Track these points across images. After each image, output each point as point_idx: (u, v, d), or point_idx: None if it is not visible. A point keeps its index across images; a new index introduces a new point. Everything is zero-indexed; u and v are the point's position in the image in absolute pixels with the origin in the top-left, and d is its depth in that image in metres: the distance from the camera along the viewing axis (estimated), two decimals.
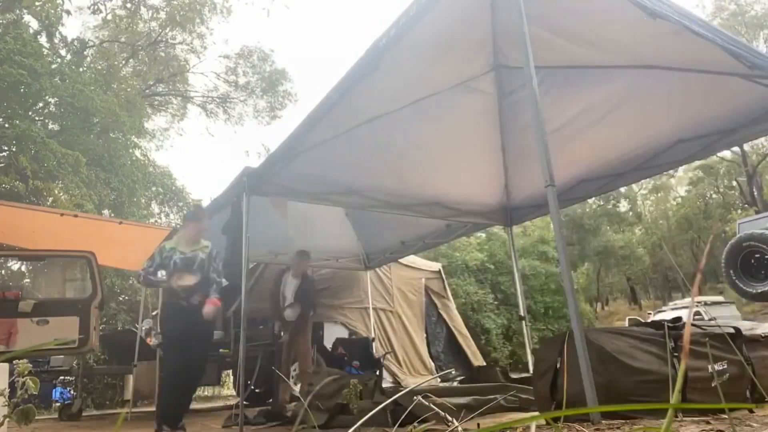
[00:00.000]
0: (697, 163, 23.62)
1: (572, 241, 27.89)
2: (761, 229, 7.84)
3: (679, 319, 3.02)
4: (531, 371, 4.61)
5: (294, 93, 19.34)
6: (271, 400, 6.79)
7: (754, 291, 7.51)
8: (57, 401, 8.43)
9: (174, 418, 3.70)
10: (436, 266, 9.82)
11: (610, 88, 3.96)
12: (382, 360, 7.13)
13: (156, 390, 5.02)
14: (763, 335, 3.12)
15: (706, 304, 13.25)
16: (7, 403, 2.67)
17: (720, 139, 4.20)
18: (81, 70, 12.43)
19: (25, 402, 2.63)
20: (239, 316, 4.64)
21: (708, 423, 2.07)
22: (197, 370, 3.91)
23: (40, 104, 11.49)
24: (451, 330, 9.43)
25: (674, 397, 0.53)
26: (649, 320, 8.11)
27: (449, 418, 2.72)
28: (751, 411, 2.40)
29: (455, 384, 5.92)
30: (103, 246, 5.89)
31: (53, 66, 11.01)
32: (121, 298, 12.13)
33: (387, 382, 7.41)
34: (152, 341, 6.70)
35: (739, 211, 26.95)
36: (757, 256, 7.49)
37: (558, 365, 2.68)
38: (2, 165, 9.95)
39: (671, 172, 27.18)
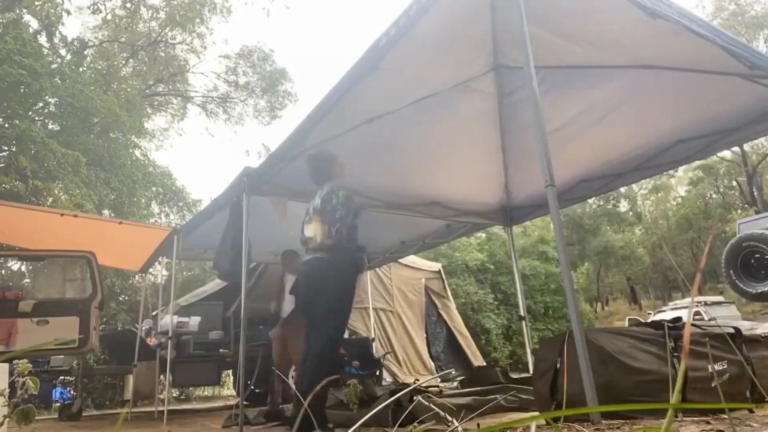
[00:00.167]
0: (697, 163, 23.62)
1: (572, 241, 27.90)
2: (761, 229, 7.84)
3: (679, 319, 3.02)
4: (531, 371, 4.61)
5: (294, 93, 19.35)
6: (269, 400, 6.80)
7: (754, 291, 7.51)
8: (57, 401, 8.43)
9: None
10: (436, 266, 9.82)
11: (610, 88, 3.96)
12: (382, 360, 7.13)
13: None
14: (763, 335, 3.12)
15: (706, 304, 13.25)
16: (7, 403, 2.67)
17: (720, 139, 4.20)
18: (81, 70, 12.44)
19: (25, 402, 2.63)
20: (239, 316, 4.64)
21: (708, 423, 2.07)
22: None
23: (40, 104, 11.49)
24: (451, 330, 9.43)
25: (674, 397, 0.53)
26: (649, 320, 8.11)
27: (449, 418, 2.72)
28: (751, 411, 2.40)
29: (455, 384, 5.92)
30: (103, 246, 5.88)
31: (53, 66, 11.00)
32: (121, 298, 12.13)
33: (387, 382, 7.41)
34: (152, 341, 6.69)
35: (739, 211, 26.95)
36: (757, 256, 7.49)
37: (558, 365, 2.68)
38: (2, 165, 9.95)
39: (671, 172, 27.18)
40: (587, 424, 2.12)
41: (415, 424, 2.87)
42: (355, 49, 3.91)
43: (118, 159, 11.83)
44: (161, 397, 6.66)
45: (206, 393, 13.00)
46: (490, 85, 4.28)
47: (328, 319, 3.25)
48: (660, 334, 2.69)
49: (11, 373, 3.35)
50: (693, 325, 2.89)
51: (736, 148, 23.40)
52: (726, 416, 2.18)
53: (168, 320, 5.95)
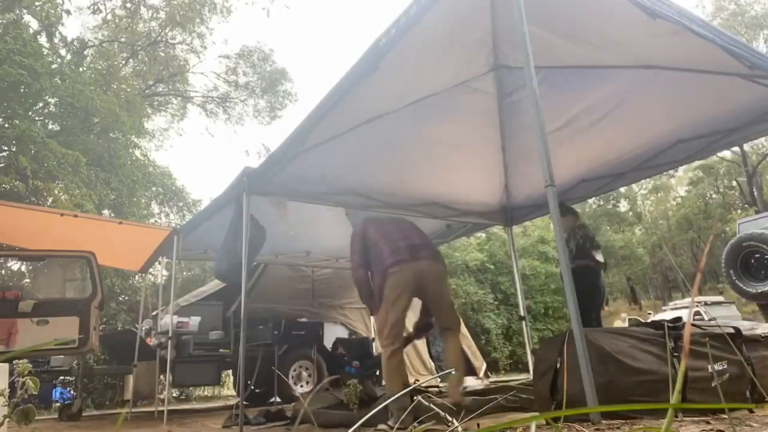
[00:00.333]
0: (697, 163, 23.62)
1: None
2: (761, 229, 7.85)
3: (679, 319, 3.02)
4: (531, 371, 4.61)
5: (294, 93, 19.36)
6: (273, 400, 6.79)
7: (754, 291, 7.51)
8: (57, 401, 8.42)
9: None
10: None
11: (610, 88, 3.96)
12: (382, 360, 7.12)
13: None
14: (763, 335, 3.12)
15: (706, 304, 13.25)
16: (7, 403, 2.67)
17: (720, 139, 4.20)
18: (81, 70, 12.44)
19: (25, 402, 2.62)
20: (239, 316, 4.64)
21: (708, 423, 2.07)
22: None
23: (40, 104, 11.49)
24: None
25: (674, 397, 0.53)
26: (648, 320, 8.10)
27: (449, 418, 2.72)
28: (751, 411, 2.40)
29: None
30: (103, 246, 5.88)
31: (53, 66, 11.01)
32: (121, 298, 12.13)
33: None
34: (152, 341, 6.69)
35: (739, 211, 26.94)
36: (757, 256, 7.49)
37: (558, 365, 2.68)
38: (2, 165, 9.95)
39: (671, 172, 27.17)
40: (587, 424, 2.12)
41: (415, 424, 2.87)
42: (355, 49, 3.91)
43: (118, 159, 11.83)
44: (161, 397, 6.65)
45: (206, 393, 13.00)
46: (490, 85, 4.28)
47: None
48: (660, 334, 2.69)
49: (11, 373, 3.35)
50: (693, 325, 2.89)
51: (736, 148, 23.40)
52: (726, 416, 2.18)
53: (168, 320, 5.95)
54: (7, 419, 2.53)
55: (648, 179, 20.51)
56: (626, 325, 9.88)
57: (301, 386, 6.86)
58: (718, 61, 3.18)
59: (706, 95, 3.78)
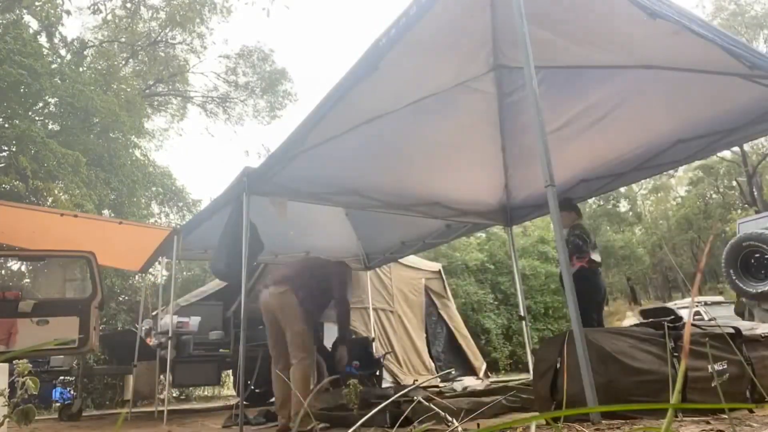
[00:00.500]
0: (697, 163, 23.61)
1: None
2: (761, 229, 7.84)
3: (679, 318, 3.02)
4: (531, 371, 4.60)
5: (294, 93, 19.35)
6: (273, 400, 6.79)
7: (754, 291, 7.50)
8: (57, 401, 8.42)
9: None
10: (436, 266, 9.82)
11: (610, 88, 3.96)
12: (382, 360, 7.13)
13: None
14: (763, 335, 3.12)
15: (706, 304, 13.24)
16: (7, 403, 2.67)
17: (720, 139, 4.20)
18: (81, 70, 12.44)
19: (25, 402, 2.62)
20: (239, 316, 4.64)
21: (708, 423, 2.07)
22: None
23: (40, 104, 11.50)
24: (451, 330, 9.43)
25: (674, 397, 0.53)
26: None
27: (449, 419, 2.71)
28: (751, 411, 2.40)
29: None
30: (103, 246, 5.88)
31: (53, 66, 11.01)
32: (121, 298, 12.13)
33: (387, 382, 7.41)
34: (152, 341, 6.69)
35: (739, 211, 26.93)
36: (757, 256, 7.49)
37: (558, 365, 2.68)
38: (2, 165, 9.95)
39: (671, 172, 27.16)
40: (587, 424, 2.12)
41: (415, 424, 2.87)
42: (355, 49, 3.91)
43: (118, 159, 11.83)
44: (161, 397, 6.66)
45: (206, 393, 13.00)
46: (490, 85, 4.28)
47: None
48: (660, 334, 2.69)
49: (11, 373, 3.35)
50: (693, 325, 2.89)
51: (736, 148, 23.37)
52: (726, 416, 2.18)
53: (168, 320, 5.95)
54: (7, 419, 2.53)
55: (648, 179, 20.51)
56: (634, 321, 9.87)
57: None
58: (718, 61, 3.18)
59: (706, 95, 3.78)
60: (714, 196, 31.16)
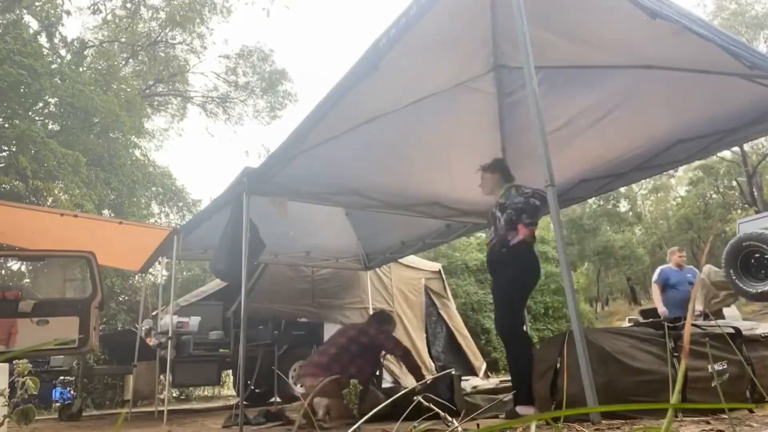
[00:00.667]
0: (697, 163, 23.59)
1: (572, 241, 27.89)
2: (761, 229, 7.83)
3: (679, 318, 3.02)
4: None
5: (294, 93, 19.35)
6: (273, 400, 6.79)
7: (754, 291, 7.49)
8: (57, 401, 8.43)
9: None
10: (436, 266, 9.82)
11: (610, 88, 3.96)
12: (382, 360, 7.12)
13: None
14: (763, 335, 3.12)
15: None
16: (7, 403, 2.67)
17: (720, 139, 4.20)
18: (81, 70, 12.44)
19: (25, 402, 2.62)
20: (239, 316, 4.64)
21: (708, 423, 2.07)
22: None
23: (40, 104, 11.50)
24: (451, 330, 9.43)
25: (674, 397, 0.53)
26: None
27: (449, 419, 2.71)
28: (751, 411, 2.40)
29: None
30: (103, 246, 5.89)
31: (53, 66, 11.01)
32: (121, 298, 12.14)
33: (387, 382, 7.41)
34: (152, 341, 6.69)
35: (739, 211, 26.93)
36: (757, 256, 7.48)
37: (558, 365, 2.68)
38: (2, 165, 9.96)
39: (671, 172, 27.16)
40: (587, 424, 2.12)
41: (415, 424, 2.87)
42: (355, 49, 3.91)
43: (118, 159, 11.83)
44: (161, 397, 6.66)
45: (206, 393, 13.00)
46: (490, 85, 4.28)
47: None
48: (660, 334, 2.69)
49: (11, 373, 3.35)
50: (693, 325, 2.89)
51: (736, 148, 23.37)
52: (726, 416, 2.18)
53: (168, 320, 5.95)
54: (7, 419, 2.53)
55: (648, 179, 20.50)
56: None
57: (301, 386, 6.85)
58: (718, 61, 3.18)
59: (706, 95, 3.78)
60: (714, 196, 31.15)
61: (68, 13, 12.18)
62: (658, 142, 4.46)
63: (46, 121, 11.90)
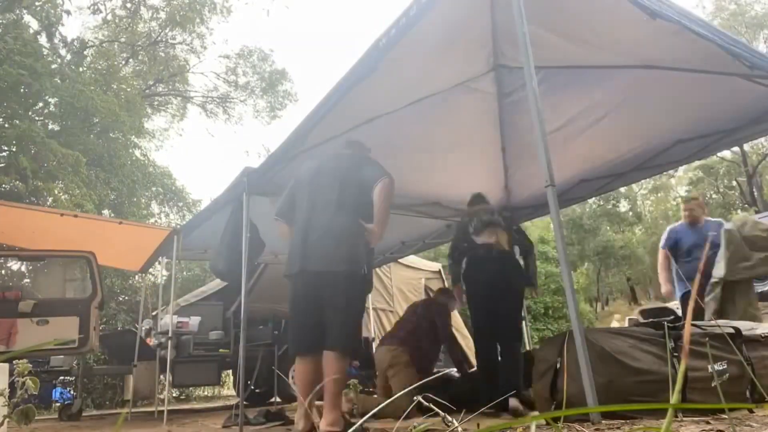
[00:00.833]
0: (697, 163, 23.58)
1: (572, 241, 27.87)
2: None
3: (678, 318, 3.02)
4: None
5: (294, 93, 19.36)
6: (273, 400, 6.79)
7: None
8: (57, 401, 8.42)
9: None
10: (436, 266, 9.82)
11: (610, 88, 3.96)
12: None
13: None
14: (763, 335, 3.12)
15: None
16: (7, 403, 2.67)
17: (720, 139, 4.20)
18: (81, 70, 12.44)
19: (25, 402, 2.63)
20: (239, 316, 4.64)
21: (708, 423, 2.07)
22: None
23: (40, 104, 11.49)
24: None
25: (674, 397, 0.53)
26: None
27: (449, 418, 2.71)
28: (751, 411, 2.40)
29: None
30: (103, 246, 5.89)
31: (53, 66, 11.01)
32: (121, 298, 12.14)
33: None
34: (152, 341, 6.69)
35: (739, 211, 26.92)
36: None
37: (558, 365, 2.68)
38: (2, 165, 9.95)
39: (671, 172, 27.14)
40: (587, 424, 2.12)
41: (415, 424, 2.87)
42: (355, 50, 3.91)
43: (118, 159, 11.84)
44: (161, 397, 6.66)
45: (206, 393, 13.00)
46: (490, 85, 4.28)
47: None
48: (660, 334, 2.69)
49: (11, 373, 3.35)
50: (693, 325, 2.89)
51: (736, 148, 23.36)
52: (726, 416, 2.18)
53: (168, 320, 5.96)
54: (7, 419, 2.53)
55: (648, 179, 20.49)
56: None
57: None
58: (718, 61, 3.18)
59: (706, 95, 3.78)
60: (714, 196, 31.14)
61: (68, 13, 12.18)
62: (658, 142, 4.47)
63: (46, 121, 11.89)
